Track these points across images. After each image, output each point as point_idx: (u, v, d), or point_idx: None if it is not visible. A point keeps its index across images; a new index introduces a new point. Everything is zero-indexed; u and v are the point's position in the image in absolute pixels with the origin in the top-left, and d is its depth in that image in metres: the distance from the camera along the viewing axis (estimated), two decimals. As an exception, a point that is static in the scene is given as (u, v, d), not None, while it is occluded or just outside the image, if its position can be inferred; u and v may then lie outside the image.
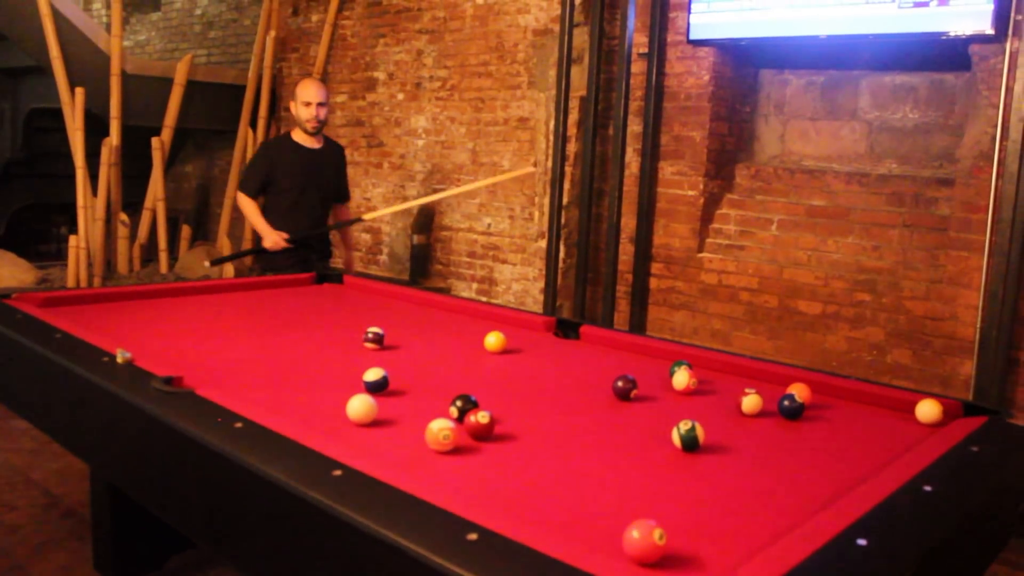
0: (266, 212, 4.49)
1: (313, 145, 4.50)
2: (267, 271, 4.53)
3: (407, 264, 6.16)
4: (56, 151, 6.25)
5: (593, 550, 1.39)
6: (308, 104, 4.38)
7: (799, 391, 2.31)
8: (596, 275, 5.27)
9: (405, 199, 6.31)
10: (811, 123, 4.81)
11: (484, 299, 5.45)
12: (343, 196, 4.78)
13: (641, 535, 1.40)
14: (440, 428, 1.84)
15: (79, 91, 6.07)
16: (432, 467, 1.78)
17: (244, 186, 4.54)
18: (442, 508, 1.48)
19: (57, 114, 6.29)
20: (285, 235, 4.38)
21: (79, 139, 6.10)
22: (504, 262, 5.68)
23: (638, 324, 5.02)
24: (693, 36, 4.74)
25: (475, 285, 5.84)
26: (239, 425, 1.88)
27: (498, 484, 1.72)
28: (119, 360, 2.37)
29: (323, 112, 4.43)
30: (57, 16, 6.08)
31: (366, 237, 6.66)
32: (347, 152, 6.76)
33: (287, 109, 7.28)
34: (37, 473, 3.94)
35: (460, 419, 1.98)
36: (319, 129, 4.47)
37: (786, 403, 2.25)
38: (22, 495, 3.70)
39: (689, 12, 4.73)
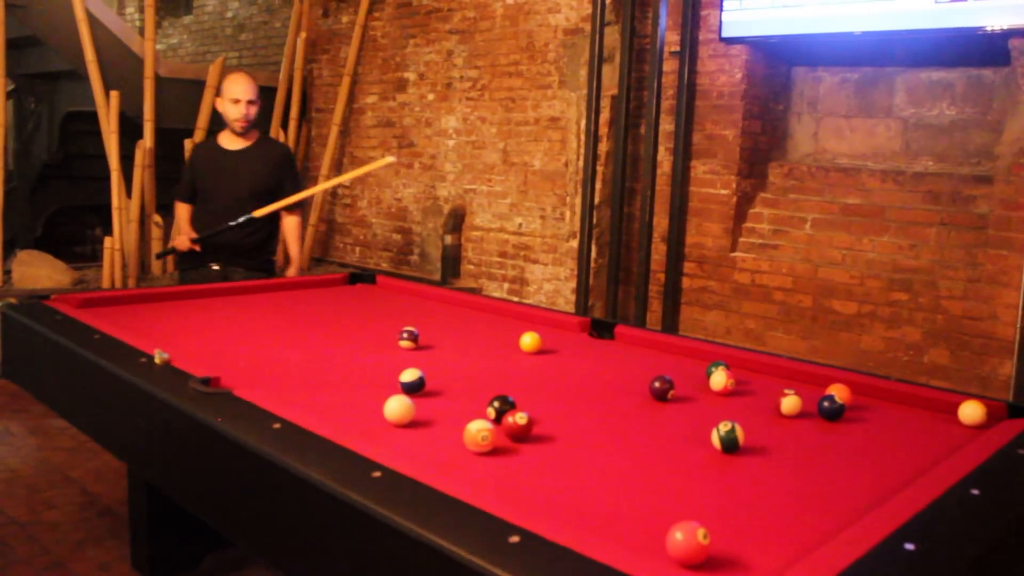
0: (195, 219, 4.30)
1: (236, 146, 4.20)
2: (183, 278, 4.37)
3: (438, 264, 6.17)
4: (90, 153, 6.31)
5: (636, 552, 1.38)
6: (236, 101, 4.09)
7: (839, 392, 2.28)
8: (628, 275, 5.25)
9: (435, 200, 6.32)
10: (845, 120, 4.76)
11: (515, 299, 5.44)
12: (291, 210, 4.36)
13: (685, 536, 1.39)
14: (479, 429, 1.83)
15: (114, 94, 6.12)
16: (471, 468, 1.78)
17: (176, 191, 4.39)
18: (483, 510, 1.47)
19: (92, 117, 6.35)
20: (191, 235, 4.17)
21: (114, 142, 6.16)
22: (535, 262, 5.67)
23: (670, 324, 4.99)
24: (725, 34, 4.71)
25: (506, 285, 5.83)
26: (277, 426, 1.88)
27: (537, 486, 1.71)
28: (157, 361, 2.38)
29: (253, 110, 4.13)
30: (92, 21, 6.14)
31: (397, 238, 6.68)
32: (377, 153, 6.83)
33: (318, 110, 7.32)
34: (75, 472, 3.98)
35: (498, 420, 1.97)
36: (247, 129, 4.17)
37: (826, 404, 2.22)
38: (61, 493, 3.74)
39: (721, 10, 4.70)
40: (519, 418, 1.92)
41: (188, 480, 2.15)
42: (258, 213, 4.16)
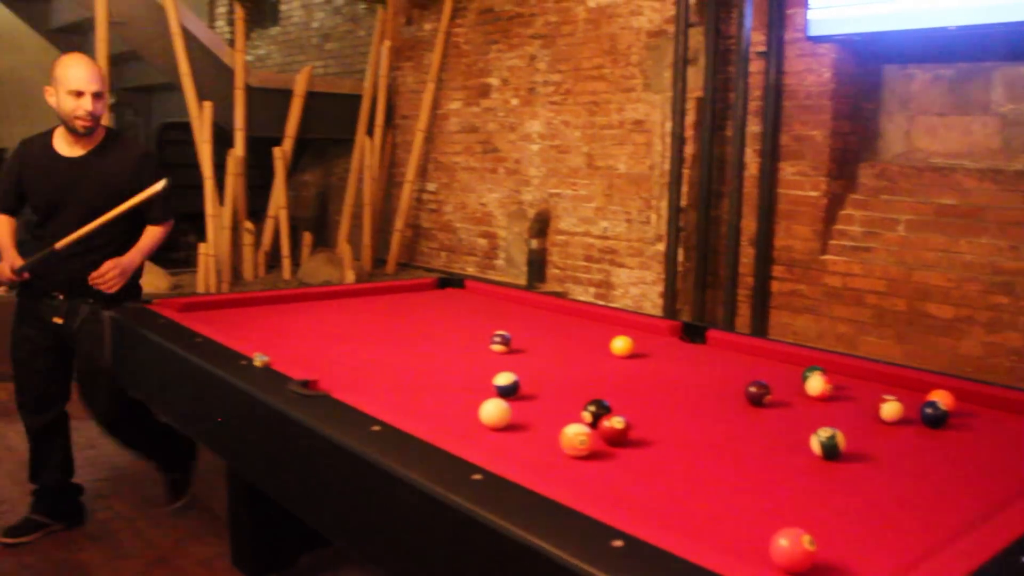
0: (31, 245, 3.36)
1: (76, 151, 3.23)
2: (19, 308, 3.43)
3: (523, 268, 6.19)
4: (185, 163, 6.52)
5: (740, 559, 1.37)
6: (78, 94, 3.09)
7: (942, 398, 2.22)
8: (715, 279, 5.19)
9: (520, 204, 6.35)
10: (939, 119, 4.63)
11: (602, 303, 5.43)
12: (154, 216, 3.38)
13: (790, 543, 1.37)
14: (576, 433, 1.84)
15: (207, 105, 6.31)
16: (569, 472, 1.78)
17: None
18: (585, 514, 1.47)
19: (186, 127, 6.55)
20: (15, 262, 3.21)
21: (207, 151, 6.34)
22: (621, 266, 5.64)
23: (759, 328, 4.92)
24: (812, 32, 4.63)
25: (592, 289, 5.83)
26: (377, 428, 1.92)
27: (636, 490, 1.71)
28: (257, 363, 2.44)
29: (100, 106, 3.17)
30: (186, 35, 6.34)
31: (482, 242, 6.72)
32: (462, 158, 6.90)
33: (403, 116, 7.41)
34: (176, 471, 4.10)
35: (594, 424, 1.98)
36: (92, 130, 3.19)
37: (929, 410, 2.17)
38: (163, 491, 3.87)
39: (807, 8, 4.62)
40: (616, 422, 1.93)
41: (288, 480, 2.21)
42: (58, 245, 3.16)
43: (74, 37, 6.90)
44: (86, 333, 3.31)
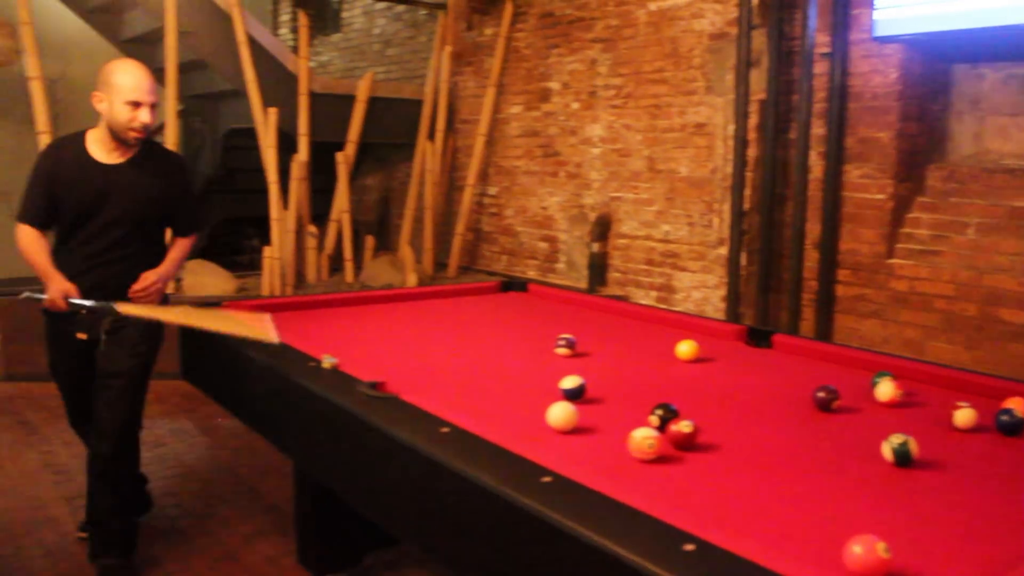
0: (60, 257, 3.11)
1: (114, 158, 3.05)
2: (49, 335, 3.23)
3: (584, 272, 6.19)
4: (248, 168, 6.64)
5: (813, 565, 1.36)
6: (136, 105, 2.94)
7: (1018, 405, 2.18)
8: (779, 282, 5.14)
9: (581, 208, 6.35)
10: (1011, 119, 4.53)
11: (663, 307, 5.40)
12: (185, 228, 3.32)
13: (865, 550, 1.36)
14: (644, 437, 1.84)
15: (272, 111, 6.42)
16: (637, 476, 1.79)
17: (23, 213, 3.09)
18: (655, 517, 1.48)
19: (250, 133, 6.66)
20: (71, 290, 2.97)
21: (272, 156, 6.45)
22: (683, 270, 5.61)
23: (824, 333, 4.86)
24: (879, 33, 4.56)
25: (653, 293, 5.80)
26: (446, 430, 1.94)
27: (705, 494, 1.71)
28: (325, 365, 2.49)
29: (154, 117, 3.02)
30: (252, 43, 6.46)
31: (543, 246, 6.74)
32: (522, 162, 6.92)
33: (463, 121, 7.46)
34: (242, 469, 4.19)
35: (661, 428, 1.98)
36: (142, 141, 3.05)
37: (1004, 418, 2.13)
38: (231, 489, 3.95)
39: (873, 8, 4.55)
40: (684, 426, 1.92)
41: (357, 480, 2.24)
42: (125, 309, 2.97)
43: (145, 47, 7.06)
44: (111, 344, 3.12)
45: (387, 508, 2.11)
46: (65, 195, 3.02)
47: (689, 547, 1.37)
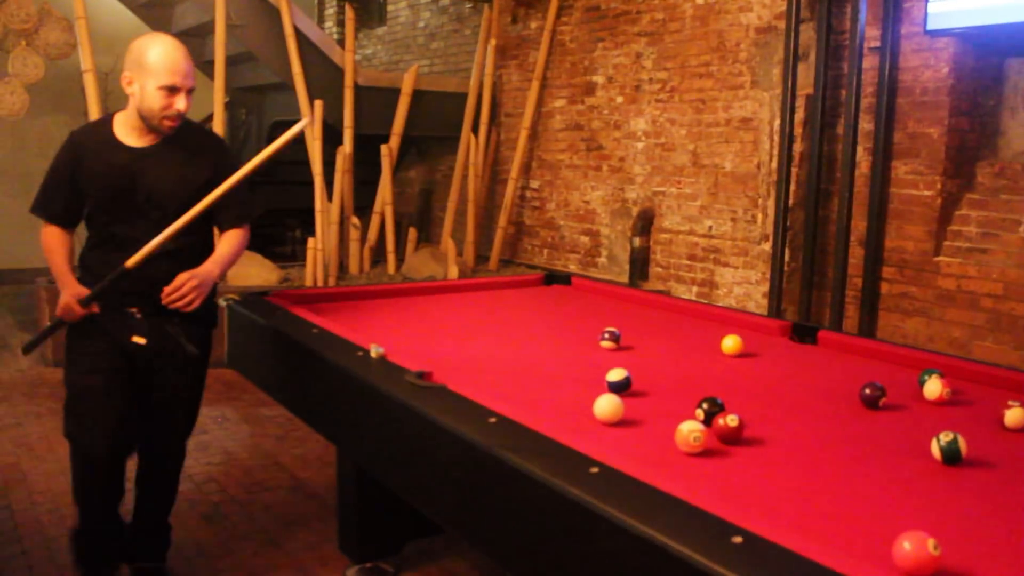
0: (89, 258, 2.80)
1: (145, 140, 2.67)
2: (68, 355, 2.78)
3: (626, 267, 6.19)
4: (291, 159, 6.71)
5: (863, 560, 1.36)
6: (172, 90, 2.55)
7: (1070, 405, 2.16)
8: (822, 279, 5.10)
9: (623, 202, 6.34)
10: (1065, 116, 4.45)
11: (705, 302, 5.39)
12: (232, 218, 2.84)
13: (914, 546, 1.36)
14: (691, 430, 1.85)
15: (318, 103, 6.48)
16: (684, 468, 1.80)
17: (39, 206, 2.78)
18: (704, 509, 1.49)
19: (292, 125, 6.73)
20: (79, 292, 2.63)
21: (317, 148, 6.52)
22: (726, 265, 5.59)
23: (868, 330, 4.82)
24: (931, 26, 4.49)
25: (695, 288, 5.79)
26: (493, 420, 1.96)
27: (752, 488, 1.71)
28: (373, 355, 2.52)
29: (190, 103, 2.64)
30: (299, 36, 6.53)
31: (584, 240, 6.74)
32: (565, 156, 6.93)
33: (507, 114, 7.47)
34: (284, 457, 4.26)
35: (707, 422, 1.98)
36: (175, 130, 2.67)
37: (1056, 417, 2.11)
38: (272, 476, 4.01)
39: (927, 1, 4.49)
40: (730, 420, 1.93)
41: (404, 468, 2.27)
42: (129, 264, 2.61)
43: (194, 40, 7.16)
44: (172, 360, 2.77)
45: (433, 497, 2.14)
46: (91, 185, 2.67)
47: (737, 539, 1.38)
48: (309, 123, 2.69)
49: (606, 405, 2.05)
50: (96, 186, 2.68)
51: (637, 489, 1.58)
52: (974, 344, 4.44)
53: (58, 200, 2.73)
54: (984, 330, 4.42)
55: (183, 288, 2.63)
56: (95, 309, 2.65)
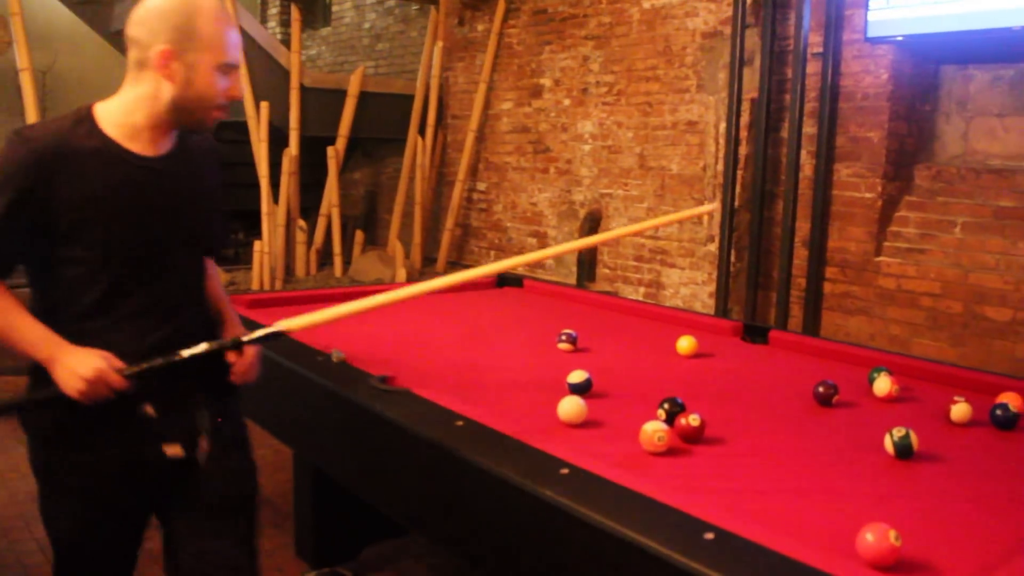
0: (47, 310, 1.79)
1: (160, 148, 1.83)
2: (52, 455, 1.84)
3: (573, 268, 6.24)
4: (237, 161, 6.64)
5: (828, 552, 1.41)
6: (230, 69, 1.79)
7: (1012, 400, 2.24)
8: (767, 279, 5.21)
9: (571, 204, 6.39)
10: (998, 120, 4.61)
11: (653, 303, 5.46)
12: (219, 244, 2.16)
13: (876, 537, 1.41)
14: (655, 430, 1.89)
15: (264, 105, 6.42)
16: (649, 468, 1.83)
17: None
18: (674, 507, 1.52)
19: (239, 127, 6.66)
20: (115, 363, 1.72)
21: (263, 150, 6.46)
22: (672, 266, 5.67)
23: (811, 329, 4.93)
24: (872, 34, 4.62)
25: (642, 289, 5.86)
26: (460, 423, 1.98)
27: (717, 486, 1.76)
28: (334, 359, 2.52)
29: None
30: (244, 36, 6.45)
31: (532, 241, 6.78)
32: (512, 158, 6.96)
33: (454, 116, 7.47)
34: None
35: (669, 421, 2.02)
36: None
37: (999, 412, 2.19)
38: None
39: (867, 9, 4.61)
40: (692, 420, 1.97)
41: (371, 474, 2.27)
42: (287, 326, 1.99)
43: (135, 39, 7.05)
44: (221, 450, 1.93)
45: (402, 501, 2.15)
46: (78, 218, 1.72)
47: (709, 536, 1.42)
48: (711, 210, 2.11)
49: (570, 407, 2.08)
50: (92, 219, 1.74)
51: (608, 489, 1.61)
52: (913, 341, 4.57)
53: (15, 249, 1.75)
54: (923, 328, 4.55)
55: (252, 362, 1.95)
56: (124, 387, 1.73)
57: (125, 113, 1.79)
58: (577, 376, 2.32)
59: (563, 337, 2.86)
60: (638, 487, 1.62)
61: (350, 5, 9.15)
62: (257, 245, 6.46)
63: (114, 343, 1.74)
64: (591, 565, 1.54)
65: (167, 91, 1.76)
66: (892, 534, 1.41)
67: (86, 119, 1.78)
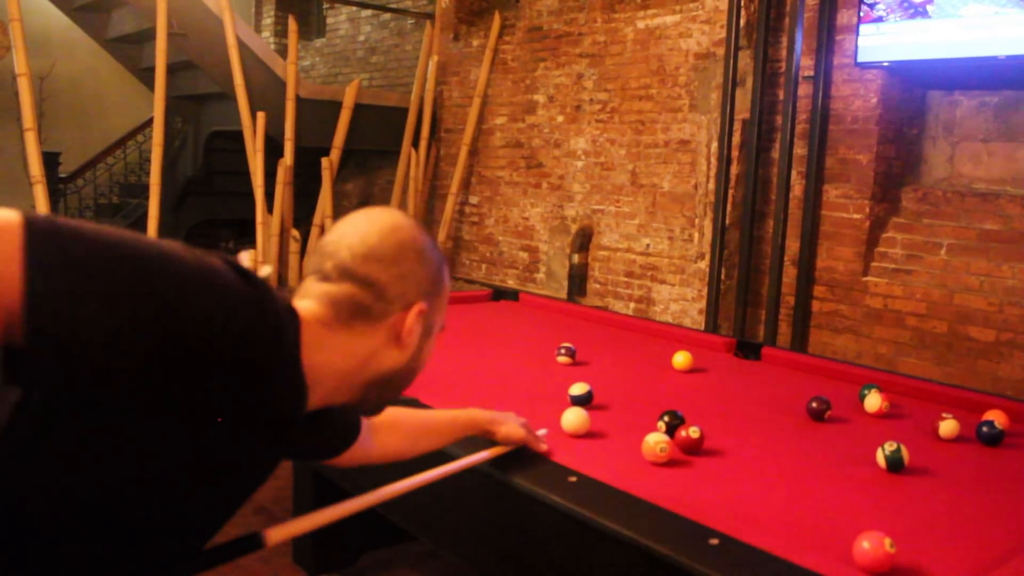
0: None
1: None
2: None
3: (564, 283, 6.31)
4: (230, 170, 6.68)
5: (826, 558, 1.48)
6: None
7: (997, 417, 2.32)
8: (757, 297, 5.29)
9: (562, 219, 6.47)
10: (983, 145, 4.72)
11: (654, 319, 5.53)
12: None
13: (872, 545, 1.49)
14: (657, 441, 1.96)
15: (260, 115, 6.47)
16: (652, 478, 1.90)
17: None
18: (681, 514, 1.59)
19: (234, 136, 6.72)
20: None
21: (259, 160, 6.51)
22: (663, 282, 5.75)
23: (799, 346, 5.02)
24: (861, 59, 4.73)
25: (632, 304, 5.94)
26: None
27: (718, 495, 1.83)
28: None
29: None
30: (242, 47, 6.52)
31: (523, 255, 6.85)
32: (505, 173, 7.03)
33: (447, 130, 7.53)
34: (232, 471, 4.23)
35: (670, 433, 2.09)
36: None
37: (985, 429, 2.27)
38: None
39: (857, 35, 4.72)
40: (692, 432, 2.04)
41: (377, 482, 2.32)
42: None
43: (132, 46, 7.10)
44: None
45: (409, 508, 2.19)
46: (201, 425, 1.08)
47: (714, 541, 1.49)
48: None
49: (574, 418, 2.14)
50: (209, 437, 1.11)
51: (615, 496, 1.68)
52: (899, 360, 4.67)
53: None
54: (908, 347, 4.65)
55: None
56: None
57: (330, 366, 1.21)
58: (579, 388, 2.39)
59: (562, 350, 2.93)
60: (643, 494, 1.68)
61: (345, 17, 9.22)
62: (251, 254, 6.50)
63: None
64: (599, 569, 1.60)
65: (392, 359, 1.27)
66: (887, 542, 1.48)
67: (295, 350, 1.17)
